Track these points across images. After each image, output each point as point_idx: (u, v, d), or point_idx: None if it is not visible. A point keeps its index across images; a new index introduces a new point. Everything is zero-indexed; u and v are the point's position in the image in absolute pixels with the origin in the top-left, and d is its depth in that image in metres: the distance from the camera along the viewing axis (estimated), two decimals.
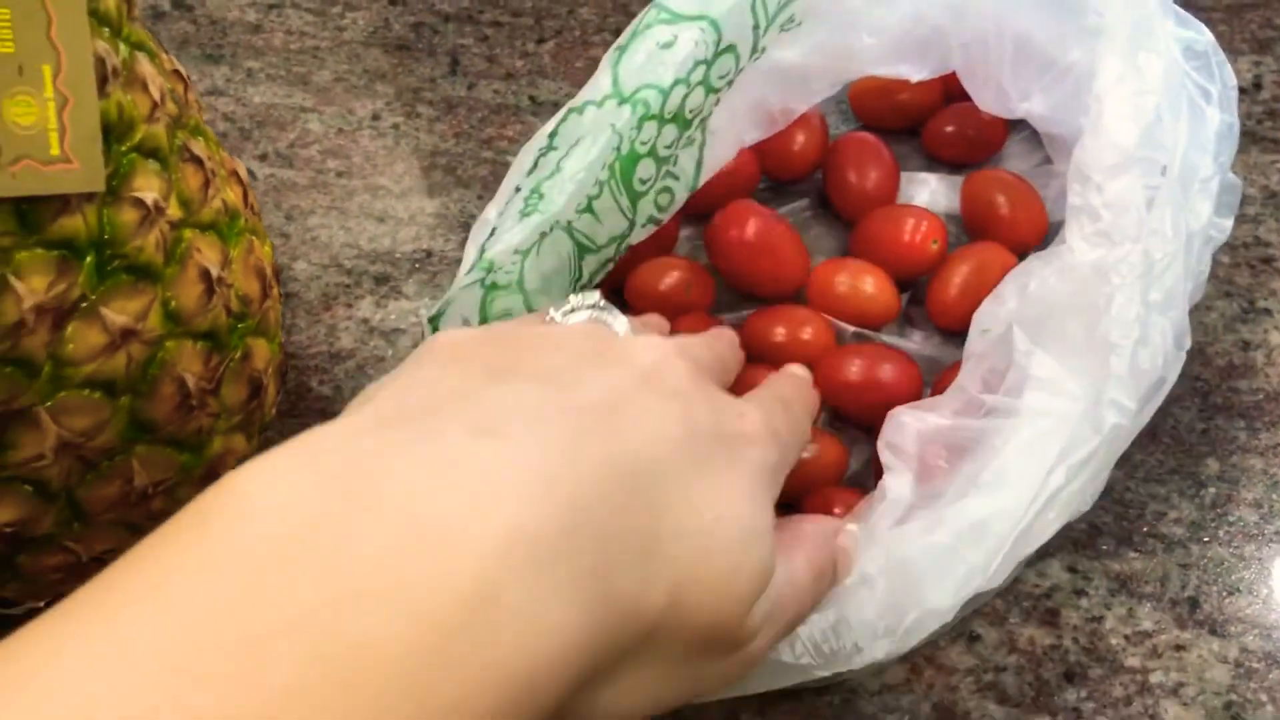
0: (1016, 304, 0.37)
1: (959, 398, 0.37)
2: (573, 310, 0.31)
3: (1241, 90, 0.50)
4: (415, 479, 0.21)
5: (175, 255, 0.33)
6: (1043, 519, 0.33)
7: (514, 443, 0.22)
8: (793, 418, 0.31)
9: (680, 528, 0.24)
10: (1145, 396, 0.34)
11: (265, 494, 0.20)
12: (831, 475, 0.41)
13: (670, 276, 0.44)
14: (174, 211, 0.33)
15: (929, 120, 0.48)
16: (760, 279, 0.44)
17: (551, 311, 0.31)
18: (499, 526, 0.20)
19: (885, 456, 0.36)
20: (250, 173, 0.49)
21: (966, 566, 0.32)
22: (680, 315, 0.43)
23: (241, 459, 0.38)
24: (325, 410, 0.44)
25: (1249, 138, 0.49)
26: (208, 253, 0.34)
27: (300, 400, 0.45)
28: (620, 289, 0.45)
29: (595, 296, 0.32)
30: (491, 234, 0.37)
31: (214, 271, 0.34)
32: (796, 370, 0.36)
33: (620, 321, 0.31)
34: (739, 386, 0.32)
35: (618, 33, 0.38)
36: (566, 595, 0.20)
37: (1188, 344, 0.36)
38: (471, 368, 0.25)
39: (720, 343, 0.33)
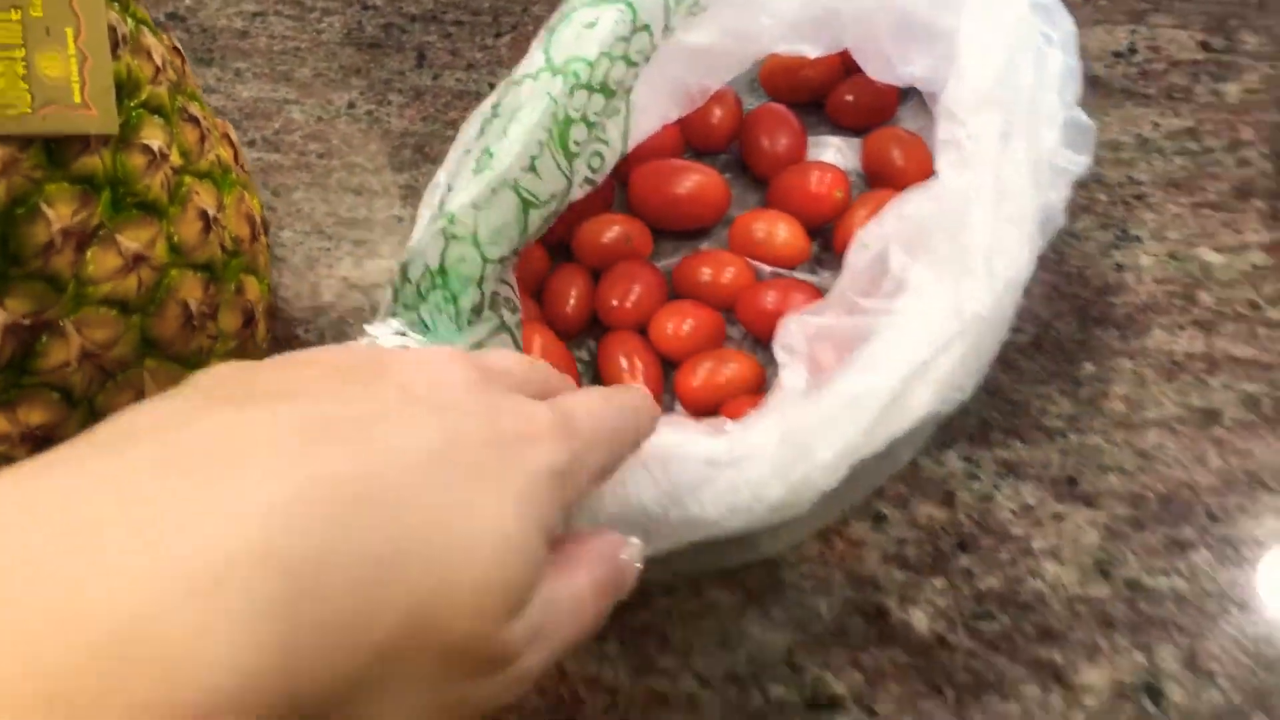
0: (893, 225, 0.43)
1: (841, 302, 0.43)
2: (374, 342, 0.31)
3: (1118, 55, 0.57)
4: (82, 518, 0.20)
5: (177, 196, 0.39)
6: (914, 393, 0.39)
7: (203, 476, 0.21)
8: (606, 415, 0.30)
9: (424, 547, 0.23)
10: (1002, 293, 0.40)
11: None
12: (749, 391, 0.46)
13: (612, 230, 0.50)
14: (176, 159, 0.39)
15: (831, 92, 0.54)
16: (683, 213, 0.50)
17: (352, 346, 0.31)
18: (158, 564, 0.19)
19: (780, 356, 0.42)
20: None
21: (846, 430, 0.38)
22: (622, 262, 0.49)
23: None
24: None
25: (1124, 94, 0.55)
26: (205, 196, 0.40)
27: (289, 346, 0.50)
28: (569, 244, 0.51)
29: (395, 324, 0.32)
30: (449, 190, 0.43)
31: (210, 212, 0.40)
32: (637, 385, 0.38)
33: (423, 344, 0.31)
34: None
35: None
36: (246, 628, 0.20)
37: (1039, 250, 0.41)
38: (207, 396, 0.24)
39: (529, 359, 0.33)
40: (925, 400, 0.40)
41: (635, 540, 0.31)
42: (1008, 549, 0.43)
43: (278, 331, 0.50)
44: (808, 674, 0.41)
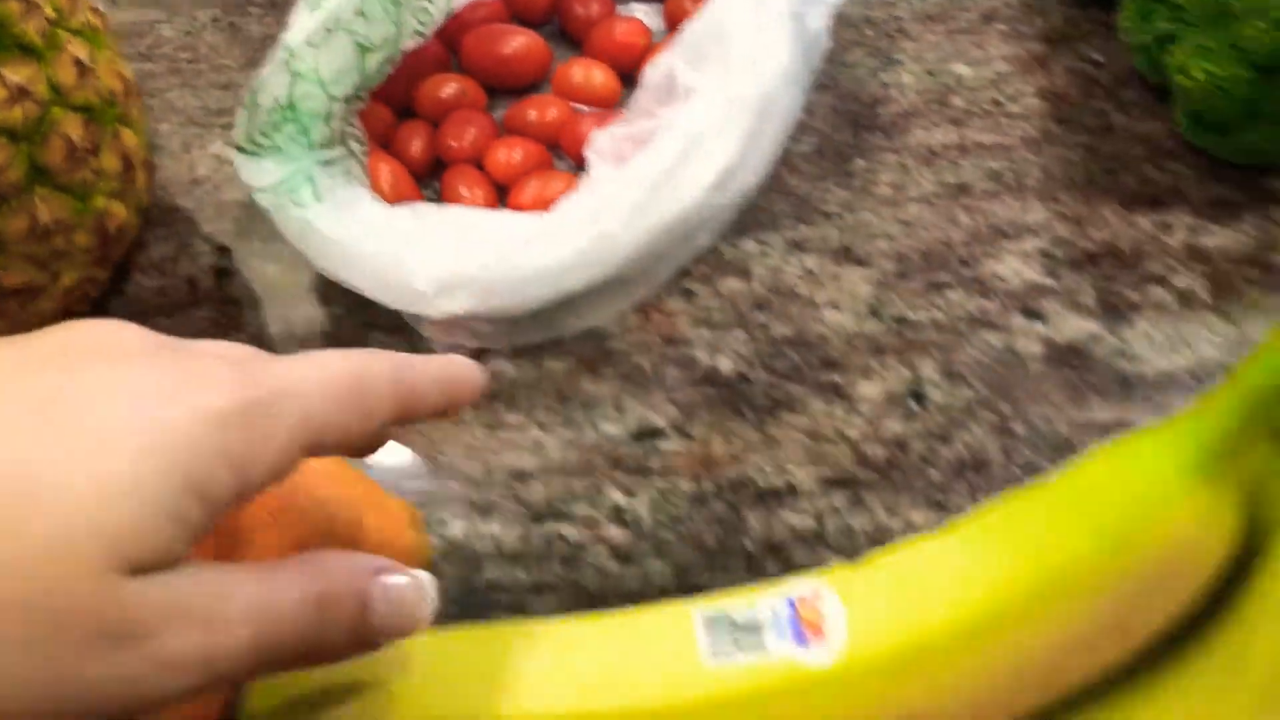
0: (677, 47, 0.51)
1: (637, 114, 0.50)
2: None
3: None
4: None
5: (54, 43, 0.45)
6: (692, 166, 0.46)
7: None
8: (332, 371, 0.27)
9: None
10: (767, 83, 0.48)
11: None
12: None
13: (449, 87, 0.57)
14: (49, 13, 0.45)
15: None
16: (511, 71, 0.58)
17: None
18: None
19: (591, 158, 0.50)
20: None
21: (637, 194, 0.45)
22: (459, 110, 0.57)
23: (122, 225, 0.51)
24: (191, 218, 0.56)
25: None
26: (78, 47, 0.47)
27: (172, 213, 0.57)
28: (411, 106, 0.58)
29: None
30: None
31: (85, 60, 0.46)
32: (458, 359, 0.33)
33: None
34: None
35: None
36: None
37: (799, 55, 0.49)
38: None
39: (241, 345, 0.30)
40: (704, 172, 0.47)
41: (422, 574, 0.28)
42: (796, 305, 0.51)
43: (164, 202, 0.57)
44: (633, 413, 0.48)
